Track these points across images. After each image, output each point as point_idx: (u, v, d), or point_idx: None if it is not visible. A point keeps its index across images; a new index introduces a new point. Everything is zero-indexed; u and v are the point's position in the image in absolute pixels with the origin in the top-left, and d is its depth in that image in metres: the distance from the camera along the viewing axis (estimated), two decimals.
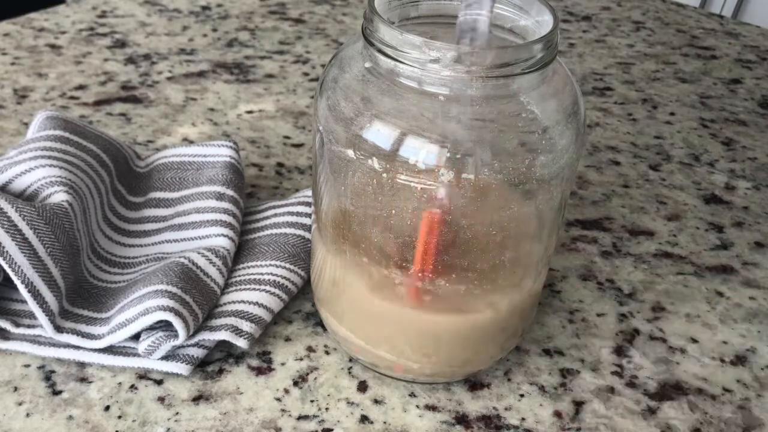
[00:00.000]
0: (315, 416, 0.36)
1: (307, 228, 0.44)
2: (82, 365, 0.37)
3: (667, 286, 0.46)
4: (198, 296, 0.38)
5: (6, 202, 0.37)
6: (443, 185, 0.30)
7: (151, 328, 0.37)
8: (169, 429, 0.34)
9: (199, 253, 0.41)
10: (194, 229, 0.43)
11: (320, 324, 0.41)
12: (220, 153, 0.47)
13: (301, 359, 0.39)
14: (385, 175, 0.31)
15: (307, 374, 0.38)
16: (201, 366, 0.38)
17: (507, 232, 0.33)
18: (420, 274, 0.33)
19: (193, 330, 0.37)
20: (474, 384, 0.38)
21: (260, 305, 0.39)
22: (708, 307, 0.44)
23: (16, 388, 0.36)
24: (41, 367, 0.37)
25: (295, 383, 0.37)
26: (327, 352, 0.39)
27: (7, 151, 0.45)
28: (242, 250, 0.43)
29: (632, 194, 0.54)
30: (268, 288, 0.40)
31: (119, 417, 0.35)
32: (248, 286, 0.40)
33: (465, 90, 0.30)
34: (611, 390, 0.38)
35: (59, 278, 0.37)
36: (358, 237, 0.34)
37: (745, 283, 0.46)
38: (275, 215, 0.45)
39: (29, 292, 0.36)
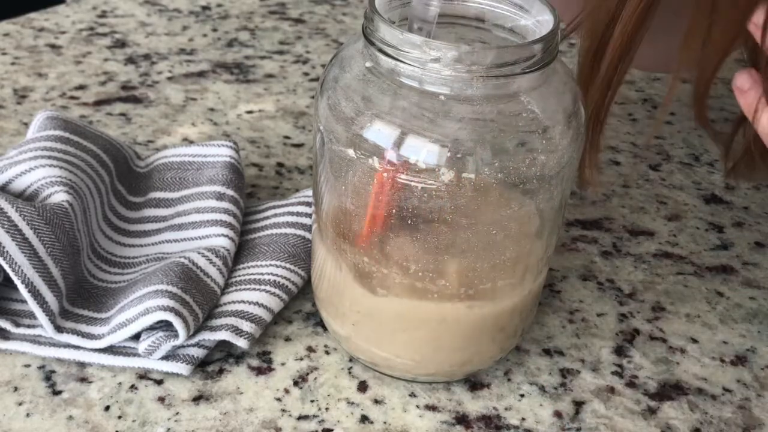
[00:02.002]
0: (315, 416, 0.36)
1: (307, 228, 0.44)
2: (82, 365, 0.37)
3: (667, 286, 0.46)
4: (198, 296, 0.38)
5: (6, 202, 0.37)
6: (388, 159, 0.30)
7: (152, 328, 0.37)
8: (169, 429, 0.34)
9: (199, 253, 0.41)
10: (194, 229, 0.43)
11: (320, 324, 0.41)
12: (220, 153, 0.47)
13: (301, 359, 0.39)
14: (385, 174, 0.31)
15: (307, 374, 0.38)
16: (201, 366, 0.38)
17: (507, 232, 0.33)
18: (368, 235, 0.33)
19: (193, 330, 0.37)
20: (474, 384, 0.38)
21: (260, 305, 0.39)
22: (708, 307, 0.44)
23: (16, 388, 0.36)
24: (41, 367, 0.37)
25: (295, 383, 0.37)
26: (327, 352, 0.39)
27: (7, 151, 0.45)
28: (242, 250, 0.43)
29: (632, 194, 0.54)
30: (268, 288, 0.40)
31: (119, 417, 0.35)
32: (248, 286, 0.40)
33: (465, 89, 0.30)
34: (611, 390, 0.38)
35: (59, 278, 0.37)
36: (359, 236, 0.34)
37: (745, 283, 0.46)
38: (275, 215, 0.45)
39: (29, 292, 0.36)
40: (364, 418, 0.36)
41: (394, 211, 0.32)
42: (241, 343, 0.37)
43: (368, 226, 0.33)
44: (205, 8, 0.80)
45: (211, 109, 0.61)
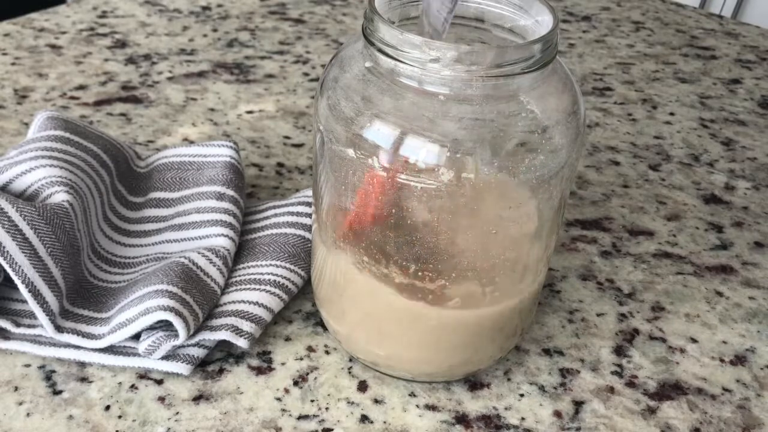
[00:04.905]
0: (315, 416, 0.36)
1: (307, 228, 0.44)
2: (82, 365, 0.37)
3: (666, 286, 0.46)
4: (198, 296, 0.38)
5: (6, 202, 0.37)
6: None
7: (152, 327, 0.37)
8: (169, 429, 0.34)
9: (199, 253, 0.41)
10: (194, 229, 0.43)
11: (320, 324, 0.41)
12: (221, 153, 0.47)
13: (301, 359, 0.39)
14: (385, 174, 0.31)
15: (307, 374, 0.38)
16: (201, 366, 0.38)
17: (507, 232, 0.33)
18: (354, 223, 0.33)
19: (193, 330, 0.37)
20: (474, 384, 0.38)
21: (260, 305, 0.39)
22: (708, 307, 0.44)
23: (16, 388, 0.36)
24: (42, 367, 0.37)
25: (295, 383, 0.37)
26: (327, 352, 0.39)
27: (8, 151, 0.45)
28: (242, 250, 0.43)
29: (632, 194, 0.54)
30: (268, 288, 0.40)
31: (119, 417, 0.35)
32: (248, 286, 0.40)
33: (465, 89, 0.30)
34: (611, 390, 0.38)
35: (59, 278, 0.37)
36: (359, 236, 0.34)
37: (744, 283, 0.46)
38: (275, 215, 0.45)
39: (30, 291, 0.36)
40: (364, 418, 0.36)
41: (385, 212, 0.32)
42: (241, 342, 0.37)
43: (354, 221, 0.33)
44: (205, 8, 0.80)
45: (212, 109, 0.61)
